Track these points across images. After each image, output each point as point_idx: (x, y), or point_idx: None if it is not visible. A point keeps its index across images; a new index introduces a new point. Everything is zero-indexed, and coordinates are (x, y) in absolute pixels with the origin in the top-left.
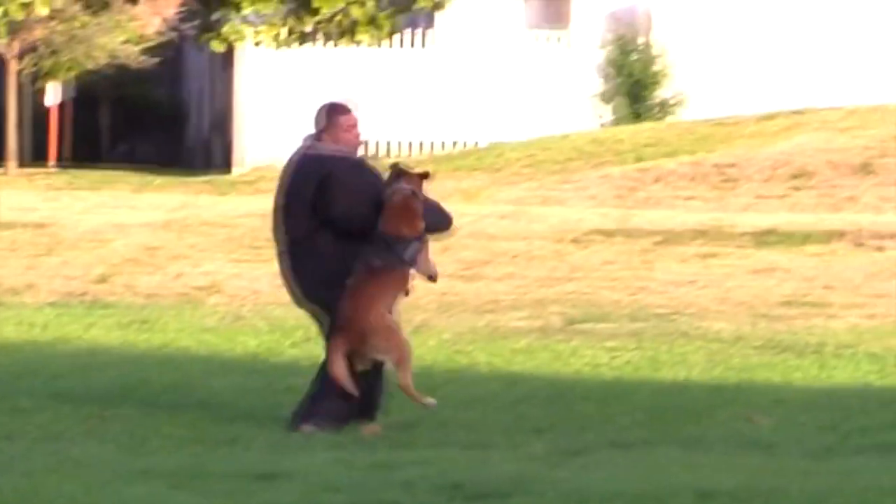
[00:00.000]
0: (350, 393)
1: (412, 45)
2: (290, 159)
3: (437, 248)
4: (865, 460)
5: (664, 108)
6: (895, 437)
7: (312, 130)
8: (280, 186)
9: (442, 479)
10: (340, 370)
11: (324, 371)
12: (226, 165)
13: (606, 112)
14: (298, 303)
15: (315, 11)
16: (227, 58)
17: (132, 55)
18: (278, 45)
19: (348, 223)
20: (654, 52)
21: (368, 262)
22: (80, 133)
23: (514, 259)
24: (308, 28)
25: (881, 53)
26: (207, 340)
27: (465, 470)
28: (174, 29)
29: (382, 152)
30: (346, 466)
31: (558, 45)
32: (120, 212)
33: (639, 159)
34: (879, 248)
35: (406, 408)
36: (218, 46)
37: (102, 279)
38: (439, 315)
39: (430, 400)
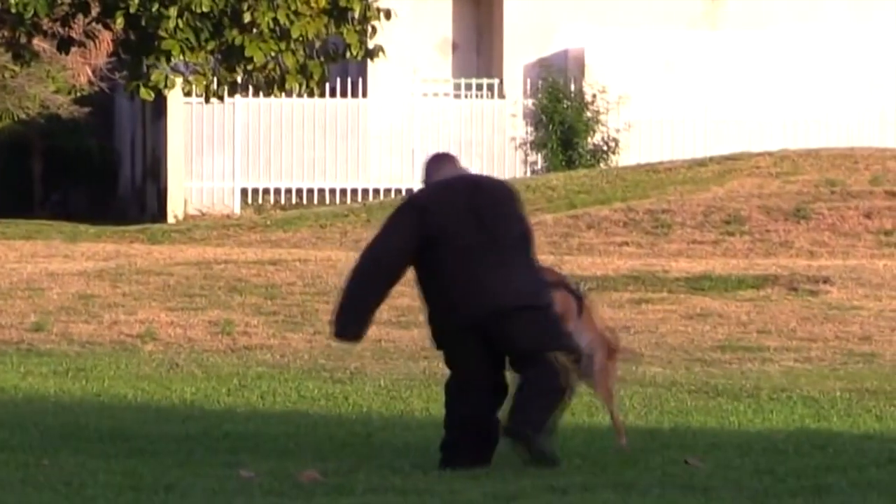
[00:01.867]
0: None
1: (343, 94)
2: None
3: None
4: (801, 503)
5: (596, 154)
6: (830, 480)
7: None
8: None
9: None
10: None
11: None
12: (160, 214)
13: (538, 160)
14: None
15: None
16: (159, 107)
17: (63, 105)
18: (208, 95)
19: None
20: (585, 99)
21: None
22: (11, 183)
23: None
24: (239, 78)
25: (812, 99)
26: (143, 388)
27: None
28: (104, 78)
29: (316, 199)
30: None
31: (488, 93)
32: (54, 261)
33: (572, 206)
34: (813, 293)
35: (343, 454)
36: (146, 95)
37: (38, 327)
38: (375, 361)
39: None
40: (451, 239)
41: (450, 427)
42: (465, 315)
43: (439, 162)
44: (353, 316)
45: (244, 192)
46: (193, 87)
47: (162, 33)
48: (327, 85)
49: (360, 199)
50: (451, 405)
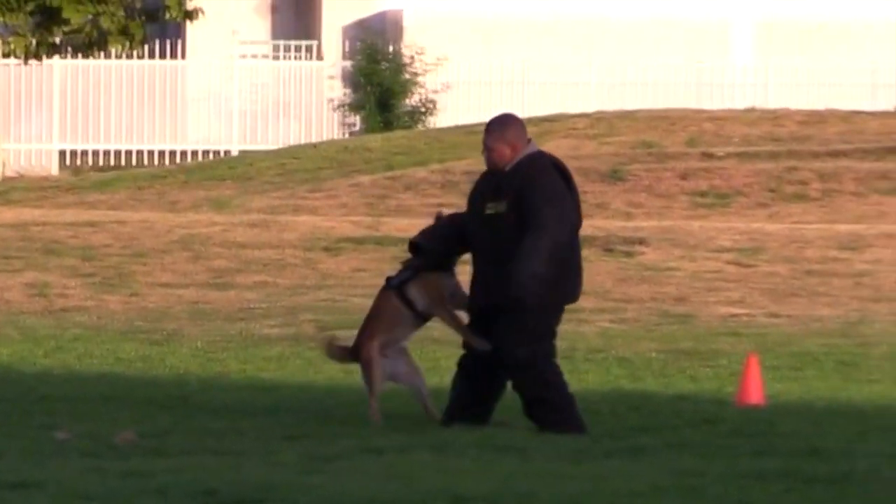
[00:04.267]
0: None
1: (162, 56)
2: None
3: (187, 258)
4: (617, 463)
5: (414, 116)
6: (645, 441)
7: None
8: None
9: (195, 486)
10: None
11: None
12: None
13: (356, 121)
14: None
15: (64, 22)
16: None
17: None
18: (27, 56)
19: None
20: (403, 60)
21: None
22: None
23: (266, 267)
24: (57, 39)
25: (628, 62)
26: None
27: (218, 477)
28: None
29: (135, 161)
30: (100, 474)
31: (307, 55)
32: None
33: (389, 168)
34: (628, 254)
35: (160, 415)
36: None
37: None
38: (192, 323)
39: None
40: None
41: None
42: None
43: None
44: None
45: (62, 153)
46: (13, 48)
47: None
48: (146, 47)
49: (178, 160)
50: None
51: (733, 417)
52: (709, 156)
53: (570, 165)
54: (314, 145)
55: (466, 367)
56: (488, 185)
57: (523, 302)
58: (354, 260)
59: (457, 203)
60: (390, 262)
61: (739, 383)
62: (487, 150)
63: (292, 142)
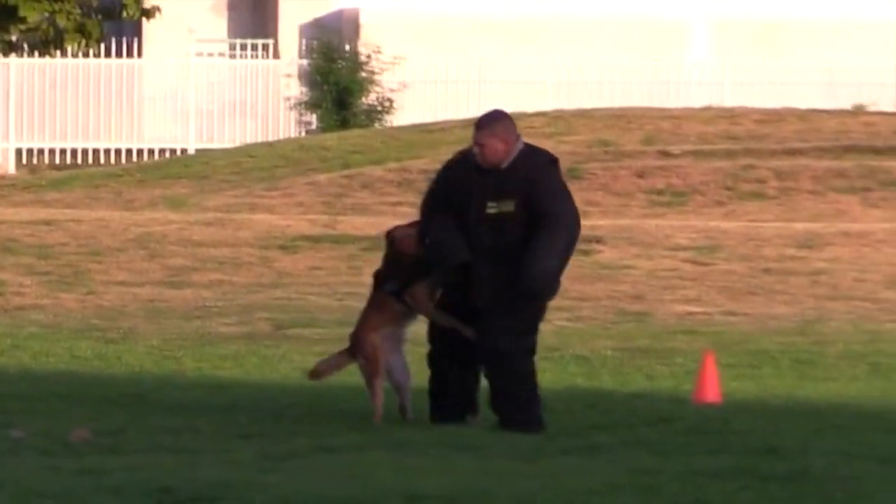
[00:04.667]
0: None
1: (118, 54)
2: None
3: (144, 256)
4: (573, 461)
5: (371, 115)
6: (602, 439)
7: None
8: None
9: (151, 485)
10: None
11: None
12: None
13: (313, 120)
14: None
15: (21, 20)
16: None
17: None
18: None
19: None
20: (360, 59)
21: None
22: None
23: (222, 266)
24: (14, 37)
25: (585, 61)
26: None
27: (173, 475)
28: None
29: (91, 160)
30: (55, 472)
31: (264, 54)
32: None
33: (346, 166)
34: (585, 252)
35: (115, 413)
36: None
37: None
38: (148, 321)
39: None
40: None
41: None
42: None
43: None
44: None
45: (18, 152)
46: None
47: None
48: (102, 45)
49: (134, 159)
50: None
51: (689, 415)
52: (666, 154)
53: None
54: (270, 144)
55: (439, 356)
56: (484, 184)
57: (543, 296)
58: (311, 258)
59: (414, 201)
60: (347, 261)
61: (696, 381)
62: (479, 146)
63: (249, 140)
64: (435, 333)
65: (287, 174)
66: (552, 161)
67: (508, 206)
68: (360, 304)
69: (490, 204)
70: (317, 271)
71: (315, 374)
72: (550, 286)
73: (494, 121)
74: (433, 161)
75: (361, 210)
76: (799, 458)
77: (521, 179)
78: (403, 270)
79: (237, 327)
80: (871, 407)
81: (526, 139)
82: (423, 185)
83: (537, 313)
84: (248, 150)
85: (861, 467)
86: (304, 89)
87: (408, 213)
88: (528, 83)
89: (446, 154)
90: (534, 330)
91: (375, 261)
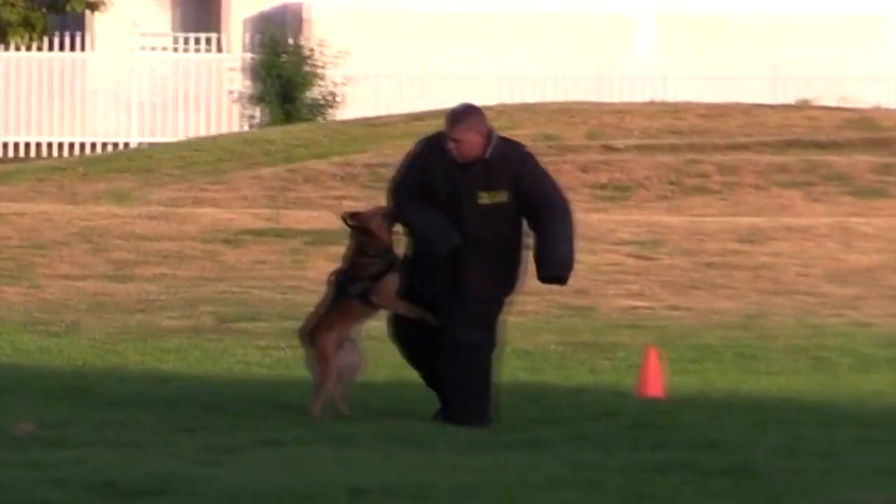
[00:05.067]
0: None
1: (62, 48)
2: None
3: (88, 250)
4: (515, 455)
5: (316, 109)
6: (544, 433)
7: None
8: None
9: (94, 478)
10: None
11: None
12: None
13: (257, 113)
14: None
15: None
16: None
17: None
18: None
19: None
20: (304, 53)
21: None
22: None
23: (166, 259)
24: None
25: (529, 55)
26: None
27: (117, 468)
28: None
29: (35, 153)
30: None
31: (209, 47)
32: None
33: (290, 160)
34: (528, 246)
35: (59, 407)
36: None
37: None
38: (91, 315)
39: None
40: None
41: None
42: None
43: None
44: None
45: None
46: None
47: None
48: (47, 39)
49: (78, 152)
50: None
51: (633, 410)
52: (609, 149)
53: None
54: (215, 137)
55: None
56: (471, 175)
57: (565, 282)
58: (255, 252)
59: (357, 195)
60: (291, 254)
61: (639, 376)
62: (456, 142)
63: (193, 134)
64: (400, 332)
65: (231, 168)
66: (529, 152)
67: (502, 197)
68: (304, 298)
69: (481, 194)
70: (260, 265)
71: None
72: (571, 271)
73: (468, 115)
74: (377, 155)
75: (305, 204)
76: (741, 452)
77: (510, 171)
78: (367, 264)
79: (180, 321)
80: (813, 401)
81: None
82: (367, 179)
83: (501, 307)
84: (192, 144)
85: (803, 461)
86: (249, 83)
87: (351, 206)
88: (473, 77)
89: (390, 148)
90: (498, 324)
91: (319, 254)
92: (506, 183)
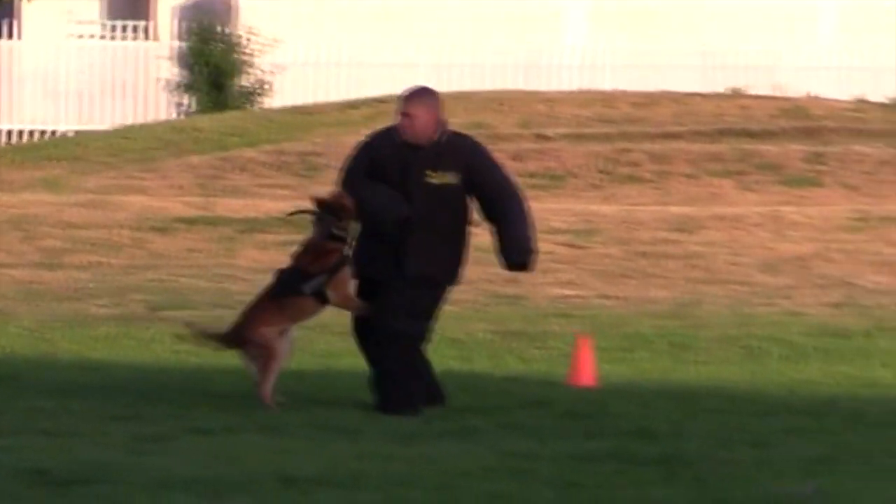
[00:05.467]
0: None
1: None
2: None
3: (19, 238)
4: (447, 445)
5: (246, 97)
6: (476, 422)
7: None
8: None
9: (25, 465)
10: None
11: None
12: None
13: (187, 101)
14: None
15: None
16: None
17: None
18: None
19: None
20: (234, 41)
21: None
22: None
23: (97, 247)
24: None
25: (461, 44)
26: None
27: (48, 457)
28: None
29: None
30: None
31: (140, 35)
32: None
33: (221, 148)
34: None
35: None
36: None
37: None
38: (21, 302)
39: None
40: None
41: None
42: None
43: None
44: None
45: None
46: None
47: None
48: None
49: (9, 140)
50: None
51: (564, 399)
52: (541, 137)
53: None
54: (145, 125)
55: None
56: (420, 155)
57: (532, 268)
58: (186, 240)
59: (289, 183)
60: (222, 242)
61: (570, 365)
62: (408, 117)
63: (123, 122)
64: (358, 328)
65: (162, 156)
66: (479, 143)
67: (450, 179)
68: (235, 287)
69: (429, 173)
70: (191, 253)
71: (191, 332)
72: (536, 257)
73: (425, 93)
74: (309, 143)
75: (237, 192)
76: (673, 442)
77: (460, 158)
78: (331, 251)
79: (111, 309)
80: (744, 390)
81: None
82: (299, 167)
83: (436, 298)
84: (123, 132)
85: (734, 450)
86: (178, 71)
87: (283, 195)
88: (404, 66)
89: (322, 136)
90: (430, 316)
91: (250, 243)
92: (455, 167)
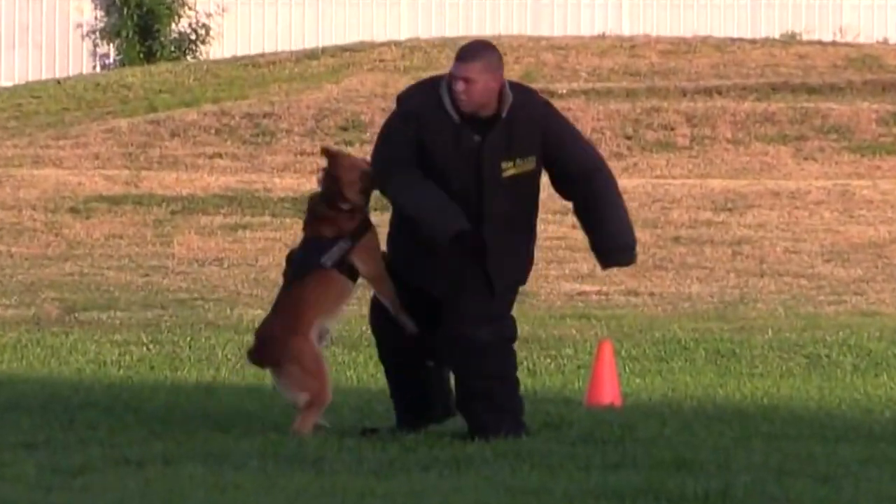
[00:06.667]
0: None
1: None
2: None
3: None
4: (435, 478)
5: (183, 45)
6: (471, 449)
7: None
8: None
9: None
10: None
11: None
12: None
13: (111, 51)
14: None
15: None
16: None
17: None
18: None
19: None
20: None
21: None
22: None
23: (0, 233)
24: None
25: None
26: None
27: None
28: None
29: None
30: None
31: None
32: None
33: (152, 109)
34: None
35: None
36: None
37: None
38: None
39: None
40: None
41: None
42: None
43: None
44: None
45: None
46: None
47: None
48: None
49: None
50: None
51: (582, 421)
52: (550, 93)
53: (377, 106)
54: (58, 81)
55: (390, 361)
56: (489, 140)
57: (629, 264)
58: (109, 224)
59: (236, 152)
60: (153, 227)
61: (590, 378)
62: (467, 82)
63: (31, 77)
64: (380, 322)
65: (79, 119)
66: (548, 101)
67: (529, 164)
68: (170, 282)
69: (505, 164)
70: (116, 240)
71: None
72: (636, 250)
73: (486, 51)
74: (261, 102)
75: (171, 164)
76: (718, 475)
77: (534, 127)
78: (330, 220)
79: (18, 310)
80: (808, 410)
81: (374, 73)
82: (246, 132)
83: (511, 292)
84: (30, 89)
85: (794, 486)
86: (100, 14)
87: (228, 166)
88: (379, 4)
89: (277, 94)
90: (509, 312)
91: (189, 226)
92: (531, 147)
